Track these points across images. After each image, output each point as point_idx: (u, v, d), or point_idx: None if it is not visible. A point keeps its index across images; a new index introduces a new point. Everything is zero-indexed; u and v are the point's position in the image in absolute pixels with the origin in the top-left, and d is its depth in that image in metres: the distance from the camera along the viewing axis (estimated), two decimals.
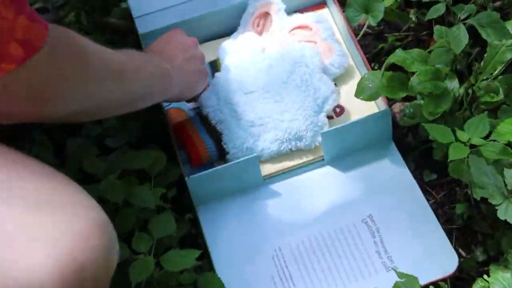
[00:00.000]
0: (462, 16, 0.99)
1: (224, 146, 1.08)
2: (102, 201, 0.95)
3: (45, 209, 0.75)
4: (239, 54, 1.16)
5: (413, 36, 1.27)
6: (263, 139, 1.08)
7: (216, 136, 1.09)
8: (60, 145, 1.17)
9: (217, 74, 1.15)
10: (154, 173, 1.07)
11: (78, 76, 0.82)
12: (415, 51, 1.04)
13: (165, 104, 1.15)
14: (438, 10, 1.02)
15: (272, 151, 1.09)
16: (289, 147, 1.10)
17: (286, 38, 1.17)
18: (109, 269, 0.76)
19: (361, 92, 1.04)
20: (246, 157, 1.04)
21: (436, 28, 1.04)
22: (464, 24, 0.98)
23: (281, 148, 1.09)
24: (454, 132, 0.97)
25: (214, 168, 1.06)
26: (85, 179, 1.06)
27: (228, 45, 1.19)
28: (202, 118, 1.12)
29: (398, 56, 1.03)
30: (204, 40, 1.22)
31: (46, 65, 0.75)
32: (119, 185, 1.02)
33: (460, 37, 0.95)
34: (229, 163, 1.05)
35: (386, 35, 1.29)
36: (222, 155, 1.09)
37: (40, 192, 0.77)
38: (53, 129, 1.19)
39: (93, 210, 0.77)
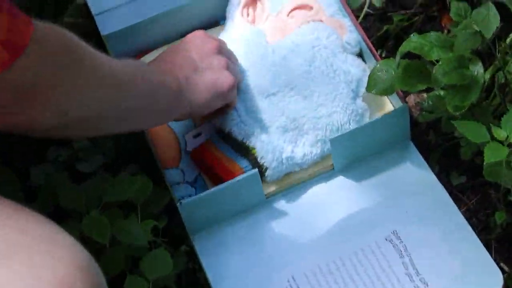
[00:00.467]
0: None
1: (262, 161, 1.06)
2: (82, 240, 0.89)
3: (17, 257, 0.73)
4: (240, 52, 1.15)
5: (422, 13, 1.27)
6: (302, 143, 1.08)
7: (247, 153, 1.08)
8: (23, 174, 1.16)
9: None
10: (140, 202, 1.06)
11: (70, 79, 0.82)
12: (433, 35, 1.02)
13: None
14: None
15: (315, 155, 1.08)
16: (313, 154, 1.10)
17: (286, 23, 1.16)
18: None
19: (374, 86, 1.03)
20: (245, 174, 1.03)
21: (453, 4, 1.03)
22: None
23: (325, 149, 1.09)
24: (488, 128, 0.96)
25: (209, 190, 1.05)
26: (56, 214, 1.06)
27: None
28: (224, 137, 1.10)
29: (413, 42, 1.01)
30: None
31: (34, 66, 0.75)
32: (104, 221, 1.02)
33: (489, 17, 0.94)
34: (225, 183, 1.05)
35: (390, 14, 1.30)
36: (260, 174, 1.07)
37: (8, 236, 0.75)
38: (14, 155, 1.20)
39: (74, 251, 0.76)
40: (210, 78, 1.05)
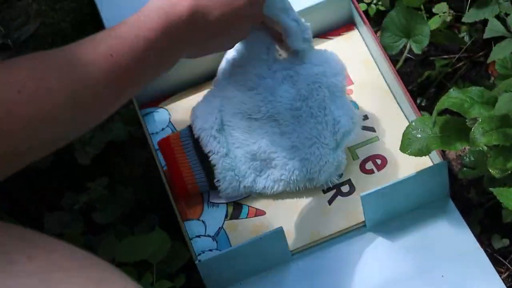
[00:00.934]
0: None
1: (217, 184, 1.10)
2: None
3: None
4: (244, 56, 1.16)
5: (467, 58, 1.27)
6: (266, 176, 1.10)
7: (208, 168, 1.10)
8: (38, 222, 1.20)
9: (215, 85, 1.17)
10: (157, 261, 1.06)
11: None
12: (475, 90, 1.02)
13: (153, 142, 1.18)
14: (505, 49, 1.00)
15: (276, 191, 1.11)
16: (296, 188, 1.11)
17: None
18: None
19: (408, 146, 1.02)
20: (269, 231, 1.04)
21: (499, 58, 1.03)
22: None
23: (287, 188, 1.11)
24: None
25: (231, 248, 1.06)
26: None
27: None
28: (194, 140, 1.14)
29: (452, 98, 1.01)
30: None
31: None
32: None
33: None
34: (249, 240, 1.05)
35: (433, 59, 1.29)
36: (214, 186, 1.11)
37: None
38: (30, 202, 1.22)
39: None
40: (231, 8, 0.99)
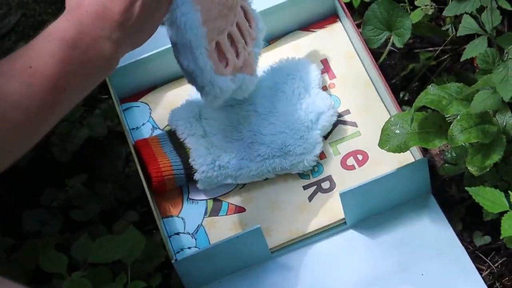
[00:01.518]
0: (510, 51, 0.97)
1: (192, 163, 1.11)
2: None
3: None
4: None
5: (452, 50, 1.27)
6: (241, 156, 1.12)
7: (184, 154, 1.12)
8: (16, 218, 1.20)
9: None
10: (131, 261, 1.07)
11: None
12: (454, 86, 1.03)
13: (133, 137, 1.20)
14: (478, 47, 1.01)
15: (251, 171, 1.11)
16: (273, 165, 1.12)
17: None
18: None
19: (386, 142, 1.04)
20: (248, 230, 1.05)
21: (479, 53, 1.03)
22: None
23: (263, 167, 1.11)
24: (507, 195, 0.96)
25: (208, 246, 1.07)
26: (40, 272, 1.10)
27: None
28: (170, 134, 1.17)
29: (431, 95, 1.02)
30: None
31: None
32: (87, 285, 1.04)
33: (509, 78, 0.93)
34: (228, 238, 1.06)
35: (417, 51, 1.30)
36: (190, 176, 1.12)
37: None
38: (8, 198, 1.23)
39: None
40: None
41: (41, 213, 1.20)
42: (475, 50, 1.02)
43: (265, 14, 1.24)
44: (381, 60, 1.24)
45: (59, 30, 0.91)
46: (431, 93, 1.02)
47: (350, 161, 1.15)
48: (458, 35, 1.07)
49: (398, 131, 1.03)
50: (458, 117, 0.98)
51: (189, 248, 1.11)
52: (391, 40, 1.22)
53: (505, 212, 0.94)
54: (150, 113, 1.27)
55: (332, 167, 1.16)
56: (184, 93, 1.26)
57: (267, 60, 1.25)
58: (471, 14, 1.06)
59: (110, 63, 0.96)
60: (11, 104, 0.87)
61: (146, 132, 1.25)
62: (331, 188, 1.14)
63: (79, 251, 1.10)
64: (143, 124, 1.26)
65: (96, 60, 0.95)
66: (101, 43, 0.94)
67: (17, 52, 0.90)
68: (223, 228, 1.13)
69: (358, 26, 1.26)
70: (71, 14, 0.94)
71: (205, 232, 1.13)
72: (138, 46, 1.04)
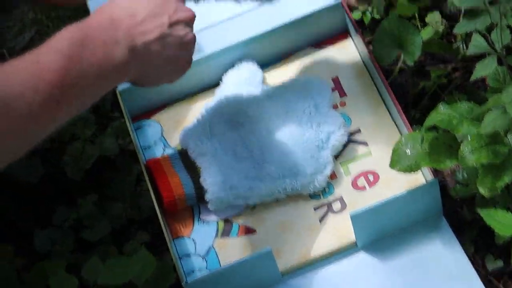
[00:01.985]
0: None
1: (203, 183, 1.11)
2: None
3: None
4: (236, 84, 1.24)
5: (463, 67, 1.27)
6: (252, 176, 1.12)
7: (195, 174, 1.13)
8: (29, 235, 1.21)
9: (207, 104, 1.21)
10: (141, 282, 1.09)
11: None
12: (464, 105, 1.03)
13: (145, 156, 1.21)
14: (488, 66, 1.02)
15: (262, 191, 1.12)
16: (283, 186, 1.12)
17: None
18: None
19: (397, 162, 1.04)
20: (259, 252, 1.05)
21: (490, 73, 1.04)
22: None
23: (273, 188, 1.12)
24: None
25: (219, 268, 1.07)
26: None
27: (229, 75, 1.27)
28: (181, 153, 1.17)
29: (441, 114, 1.02)
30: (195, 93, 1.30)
31: None
32: None
33: None
34: (238, 260, 1.06)
35: (428, 68, 1.29)
36: (201, 196, 1.13)
37: None
38: (20, 216, 1.24)
39: None
40: (170, 50, 1.02)
41: (52, 233, 1.21)
42: (484, 69, 1.02)
43: (276, 31, 1.25)
44: (392, 77, 1.25)
45: (69, 30, 0.91)
46: (441, 113, 1.01)
47: (361, 181, 1.15)
48: (468, 54, 1.07)
49: (409, 152, 1.03)
50: (469, 137, 0.98)
51: (199, 270, 1.11)
52: (401, 57, 1.22)
53: None
54: (162, 132, 1.27)
55: (343, 188, 1.15)
56: (195, 111, 1.26)
57: (278, 77, 1.26)
58: (481, 32, 1.06)
59: (120, 70, 0.96)
60: (16, 95, 0.87)
61: (157, 151, 1.25)
62: (342, 209, 1.13)
63: (90, 273, 1.11)
64: (154, 143, 1.26)
65: (106, 63, 0.95)
66: (112, 47, 0.95)
67: (30, 51, 0.91)
68: (234, 249, 1.13)
69: (369, 43, 1.26)
70: (87, 19, 0.95)
71: (216, 254, 1.13)
72: (143, 83, 1.05)
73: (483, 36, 1.04)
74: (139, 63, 0.98)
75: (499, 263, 1.10)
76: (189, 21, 1.04)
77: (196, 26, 1.09)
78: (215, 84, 1.29)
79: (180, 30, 1.02)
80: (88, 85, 0.93)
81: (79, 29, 0.92)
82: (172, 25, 1.01)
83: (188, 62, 1.06)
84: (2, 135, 0.87)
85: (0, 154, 0.90)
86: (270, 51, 1.31)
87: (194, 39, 1.04)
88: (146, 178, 1.14)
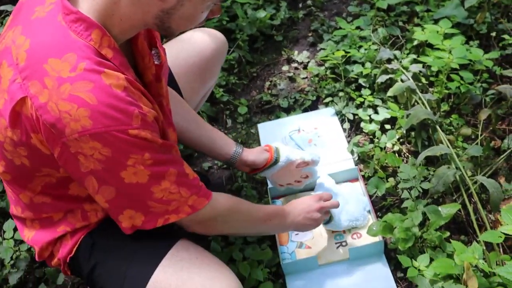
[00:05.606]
0: (419, 206, 1.21)
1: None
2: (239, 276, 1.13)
3: (213, 278, 0.86)
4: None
5: (400, 200, 1.42)
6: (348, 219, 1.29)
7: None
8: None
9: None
10: (265, 260, 1.29)
11: (228, 222, 0.95)
12: (397, 215, 1.26)
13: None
14: (408, 203, 1.23)
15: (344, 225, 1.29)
16: (353, 225, 1.29)
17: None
18: None
19: (370, 231, 1.29)
20: (310, 256, 1.27)
21: (409, 204, 1.26)
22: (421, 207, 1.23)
23: (352, 224, 1.29)
24: (411, 260, 1.15)
25: (295, 260, 1.28)
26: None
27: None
28: None
29: (389, 217, 1.28)
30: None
31: (207, 215, 0.89)
32: (247, 266, 1.25)
33: (418, 216, 1.20)
34: (302, 258, 1.27)
35: (387, 197, 1.46)
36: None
37: (198, 261, 0.90)
38: None
39: (236, 283, 0.90)
40: (309, 222, 1.12)
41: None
42: (407, 203, 1.23)
43: (332, 175, 1.43)
44: (372, 199, 1.43)
45: (285, 222, 1.06)
46: (389, 216, 1.25)
47: (355, 236, 1.36)
48: (402, 197, 1.26)
49: (375, 228, 1.27)
50: (398, 227, 1.22)
51: (288, 259, 1.32)
52: (377, 192, 1.42)
53: (409, 266, 1.13)
54: None
55: (347, 237, 1.36)
56: None
57: None
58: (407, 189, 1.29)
59: (288, 229, 1.12)
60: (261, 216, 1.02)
61: None
62: (346, 245, 1.34)
63: (248, 253, 1.30)
64: None
65: (287, 227, 1.11)
66: (288, 224, 1.07)
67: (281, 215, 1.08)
68: (302, 253, 1.33)
69: (366, 184, 1.44)
70: (289, 211, 1.10)
71: (295, 254, 1.33)
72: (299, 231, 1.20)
73: (409, 189, 1.22)
74: (295, 226, 1.11)
75: (402, 274, 1.27)
76: (319, 210, 1.14)
77: None
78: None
79: (315, 215, 1.13)
80: (276, 227, 1.09)
81: (285, 211, 1.07)
82: (310, 212, 1.12)
83: (316, 226, 1.16)
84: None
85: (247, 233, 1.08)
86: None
87: (320, 218, 1.14)
88: None
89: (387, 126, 1.59)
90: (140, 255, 0.89)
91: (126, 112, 0.70)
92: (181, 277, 0.84)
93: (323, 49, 1.86)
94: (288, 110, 1.77)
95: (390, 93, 1.48)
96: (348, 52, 1.72)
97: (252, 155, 1.20)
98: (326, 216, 1.19)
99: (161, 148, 0.77)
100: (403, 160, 1.49)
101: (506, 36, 1.65)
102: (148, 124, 0.73)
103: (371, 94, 1.66)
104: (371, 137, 1.59)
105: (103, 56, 0.72)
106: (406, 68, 1.55)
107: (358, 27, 1.82)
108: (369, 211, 1.34)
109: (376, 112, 1.61)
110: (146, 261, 0.87)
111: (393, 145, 1.52)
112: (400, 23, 1.87)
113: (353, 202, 1.33)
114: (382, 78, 1.57)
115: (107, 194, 0.79)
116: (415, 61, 1.63)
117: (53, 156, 0.75)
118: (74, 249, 0.92)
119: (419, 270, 1.13)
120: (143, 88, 0.75)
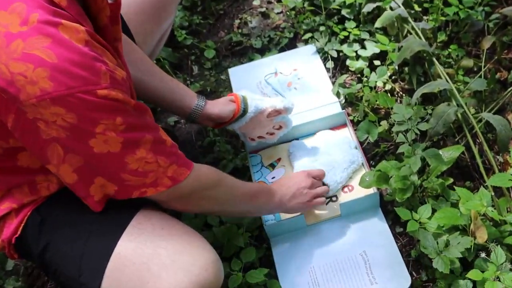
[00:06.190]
0: (416, 150, 1.18)
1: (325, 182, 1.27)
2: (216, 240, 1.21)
3: (183, 251, 0.83)
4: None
5: (394, 144, 1.40)
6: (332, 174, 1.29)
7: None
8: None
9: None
10: (246, 223, 1.28)
11: (211, 197, 0.93)
12: (393, 162, 1.22)
13: (255, 178, 1.34)
14: (405, 148, 1.19)
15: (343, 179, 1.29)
16: (351, 171, 1.30)
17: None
18: (219, 284, 0.87)
19: (362, 183, 1.26)
20: (297, 215, 1.24)
21: (405, 150, 1.21)
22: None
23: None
24: (411, 212, 1.13)
25: (280, 220, 1.27)
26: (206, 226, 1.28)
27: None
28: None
29: (383, 165, 1.24)
30: None
31: (188, 189, 0.86)
32: (225, 231, 1.25)
33: (416, 162, 1.16)
34: (287, 218, 1.24)
35: (380, 143, 1.44)
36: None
37: (168, 232, 0.86)
38: None
39: (212, 253, 0.87)
40: (301, 201, 1.14)
41: None
42: (402, 148, 1.19)
43: (316, 121, 1.42)
44: (363, 146, 1.41)
45: (273, 201, 1.07)
46: (383, 164, 1.22)
47: (346, 189, 1.34)
48: (397, 141, 1.20)
49: (368, 179, 1.24)
50: (394, 176, 1.18)
51: (271, 220, 1.29)
52: (368, 137, 1.40)
53: (409, 220, 1.10)
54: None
55: (338, 191, 1.35)
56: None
57: (312, 143, 1.40)
58: (404, 132, 1.20)
59: (275, 211, 1.12)
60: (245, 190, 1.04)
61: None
62: (336, 200, 1.32)
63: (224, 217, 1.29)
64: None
65: (274, 206, 1.11)
66: (275, 203, 1.08)
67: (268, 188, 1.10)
68: (288, 214, 1.28)
69: (355, 130, 1.41)
70: (274, 186, 1.11)
71: (279, 214, 1.30)
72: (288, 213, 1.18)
73: (404, 133, 1.19)
74: (283, 207, 1.12)
75: (401, 229, 1.27)
76: (310, 186, 1.15)
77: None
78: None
79: (305, 192, 1.14)
80: (261, 208, 1.07)
81: (271, 189, 1.08)
82: (299, 189, 1.13)
83: (310, 205, 1.18)
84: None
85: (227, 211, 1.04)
86: (311, 129, 1.45)
87: (311, 195, 1.15)
88: None
89: (377, 63, 1.56)
90: (96, 231, 0.85)
91: (92, 69, 0.67)
92: (145, 252, 0.81)
93: None
94: (263, 51, 1.74)
95: (378, 24, 1.43)
96: None
97: (216, 107, 1.17)
98: (319, 190, 1.19)
99: (134, 111, 0.75)
100: (396, 100, 1.47)
101: None
102: (117, 83, 0.70)
103: (357, 26, 1.62)
104: (358, 76, 1.57)
105: (57, 5, 0.68)
106: None
107: None
108: (356, 147, 1.33)
109: (363, 47, 1.58)
110: (104, 237, 0.83)
111: (385, 83, 1.50)
112: None
113: (335, 149, 1.32)
114: (369, 7, 1.52)
115: (75, 162, 0.75)
116: None
117: (3, 125, 0.72)
118: (20, 228, 0.88)
119: (420, 223, 1.11)
120: (105, 42, 0.72)
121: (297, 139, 1.46)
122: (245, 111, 1.20)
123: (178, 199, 0.87)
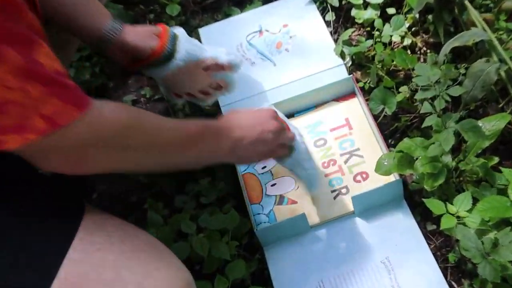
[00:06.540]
0: (448, 123, 1.14)
1: None
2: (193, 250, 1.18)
3: (151, 272, 0.80)
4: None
5: (419, 117, 1.36)
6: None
7: None
8: (171, 197, 1.37)
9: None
10: (231, 228, 1.25)
11: (121, 150, 0.79)
12: (418, 139, 1.18)
13: (241, 169, 1.34)
14: (432, 120, 1.16)
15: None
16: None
17: None
18: None
19: (379, 169, 1.21)
20: (298, 215, 1.20)
21: (434, 123, 1.15)
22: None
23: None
24: (445, 203, 1.09)
25: (275, 223, 1.24)
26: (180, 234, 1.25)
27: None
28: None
29: (405, 143, 1.19)
30: None
31: (81, 137, 0.72)
32: (205, 241, 1.21)
33: (448, 138, 1.11)
34: (286, 219, 1.21)
35: (400, 116, 1.40)
36: None
37: (134, 248, 0.83)
38: (164, 186, 1.38)
39: (187, 274, 0.85)
40: (260, 149, 1.02)
41: (184, 197, 1.35)
42: (431, 121, 1.15)
43: (315, 91, 1.40)
44: (378, 120, 1.36)
45: (206, 122, 0.93)
46: (406, 142, 1.17)
47: (358, 177, 1.30)
48: (421, 112, 1.18)
49: (386, 163, 1.19)
50: (420, 157, 1.14)
51: (264, 223, 1.26)
52: (384, 109, 1.35)
53: (443, 214, 1.08)
54: None
55: (348, 181, 1.30)
56: None
57: (312, 118, 1.41)
58: (429, 100, 1.17)
59: (223, 158, 0.99)
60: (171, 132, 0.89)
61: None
62: (347, 192, 1.28)
63: (203, 221, 1.26)
64: None
65: (215, 152, 0.97)
66: (220, 144, 0.96)
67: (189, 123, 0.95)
68: (284, 212, 1.27)
69: (367, 100, 1.38)
70: (218, 120, 0.98)
71: (274, 214, 1.28)
72: (238, 163, 1.20)
73: (431, 100, 1.16)
74: (236, 155, 1.00)
75: (434, 226, 1.22)
76: (278, 131, 1.03)
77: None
78: None
79: (269, 137, 1.02)
80: (204, 156, 0.96)
81: (220, 128, 0.97)
82: (264, 133, 1.01)
83: (271, 155, 1.06)
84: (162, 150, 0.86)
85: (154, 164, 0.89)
86: (310, 102, 1.43)
87: (276, 143, 1.04)
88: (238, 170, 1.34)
89: (391, 11, 1.51)
90: (28, 249, 0.78)
91: None
92: (104, 277, 0.77)
93: None
94: (242, 4, 1.70)
95: None
96: None
97: (134, 35, 1.08)
98: (286, 136, 1.06)
99: None
100: (418, 58, 1.44)
101: None
102: None
103: None
104: (368, 29, 1.54)
105: None
106: None
107: None
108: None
109: None
110: (41, 257, 0.77)
111: (402, 37, 1.46)
112: None
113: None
114: None
115: None
116: None
117: None
118: None
119: (458, 217, 1.08)
120: None
121: (292, 115, 1.43)
122: (171, 54, 1.12)
123: (64, 156, 0.73)
